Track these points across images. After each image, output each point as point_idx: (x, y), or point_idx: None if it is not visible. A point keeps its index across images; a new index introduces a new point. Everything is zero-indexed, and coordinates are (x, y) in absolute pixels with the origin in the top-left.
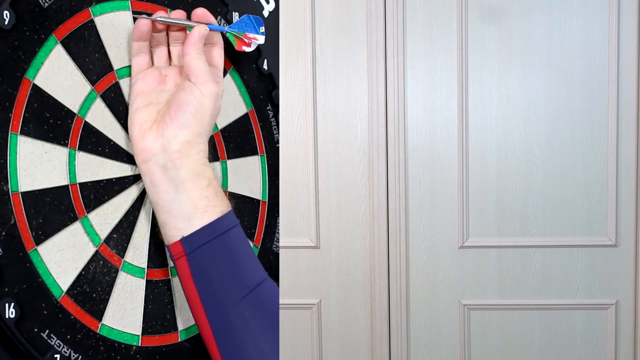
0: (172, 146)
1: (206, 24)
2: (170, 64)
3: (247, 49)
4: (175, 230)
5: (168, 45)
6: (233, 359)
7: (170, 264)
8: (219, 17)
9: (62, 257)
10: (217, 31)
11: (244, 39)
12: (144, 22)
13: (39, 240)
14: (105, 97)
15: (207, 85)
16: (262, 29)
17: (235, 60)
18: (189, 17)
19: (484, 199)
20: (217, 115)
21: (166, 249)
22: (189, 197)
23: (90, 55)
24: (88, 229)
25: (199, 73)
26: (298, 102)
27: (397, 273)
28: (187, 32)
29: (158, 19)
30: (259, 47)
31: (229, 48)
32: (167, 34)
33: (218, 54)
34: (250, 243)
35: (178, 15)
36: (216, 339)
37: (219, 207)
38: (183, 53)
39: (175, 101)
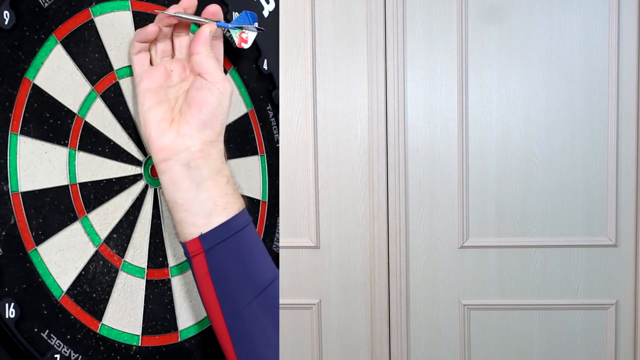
0: (195, 145)
1: (216, 21)
2: (173, 56)
3: (245, 45)
4: (194, 227)
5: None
6: (247, 355)
7: (171, 263)
8: None
9: (62, 257)
10: (222, 28)
11: (242, 36)
12: (152, 30)
13: (39, 240)
14: (105, 97)
15: (223, 83)
16: (256, 24)
17: (235, 60)
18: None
19: (484, 199)
20: (229, 112)
21: (182, 246)
22: (209, 195)
23: (90, 55)
24: (88, 229)
25: (213, 72)
26: (298, 102)
27: (397, 273)
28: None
29: (175, 14)
30: (258, 47)
31: (228, 47)
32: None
33: (220, 48)
34: None
35: (188, 4)
36: (232, 336)
37: (236, 205)
38: (193, 51)
39: (195, 101)
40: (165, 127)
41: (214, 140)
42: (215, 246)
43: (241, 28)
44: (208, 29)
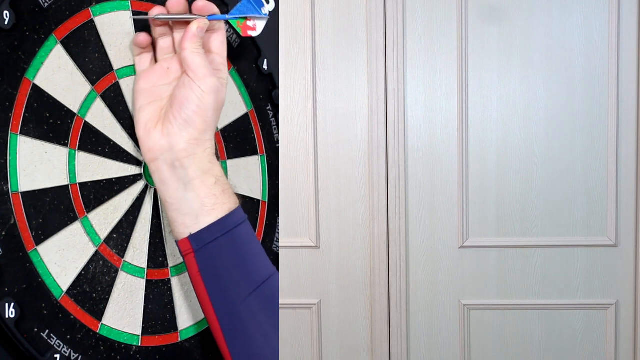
0: (179, 145)
1: (208, 15)
2: (175, 52)
3: (254, 33)
4: (184, 227)
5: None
6: (241, 354)
7: (171, 263)
8: None
9: (62, 257)
10: (220, 20)
11: (248, 24)
12: (143, 39)
13: (39, 240)
14: (105, 97)
15: (205, 80)
16: (264, 9)
17: (235, 60)
18: (189, 5)
19: (484, 199)
20: (221, 107)
21: (176, 244)
22: (196, 195)
23: (90, 55)
24: (88, 229)
25: (197, 68)
26: (298, 102)
27: (397, 273)
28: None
29: (156, 17)
30: (258, 47)
31: (228, 47)
32: (170, 22)
33: (220, 41)
34: None
35: (176, 3)
36: (224, 333)
37: (227, 205)
38: (180, 47)
39: (177, 99)
40: (151, 128)
41: (198, 138)
42: (205, 246)
43: (244, 18)
44: (195, 25)
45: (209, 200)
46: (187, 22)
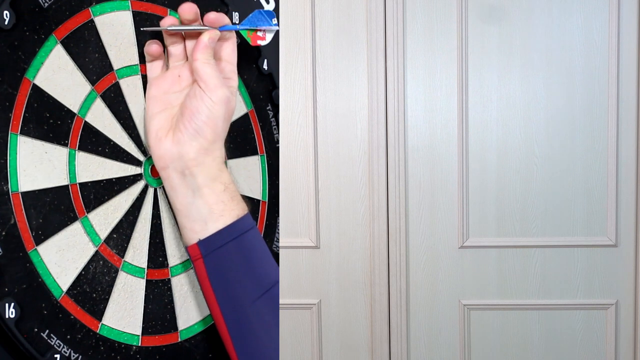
0: (188, 154)
1: (220, 27)
2: (187, 59)
3: (263, 42)
4: (193, 233)
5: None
6: (247, 353)
7: (171, 263)
8: None
9: (62, 257)
10: (230, 30)
11: (258, 34)
12: (155, 48)
13: (39, 240)
14: (105, 97)
15: (216, 91)
16: (275, 20)
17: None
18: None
19: (484, 199)
20: (231, 117)
21: (185, 250)
22: (205, 202)
23: (90, 55)
24: (88, 229)
25: (208, 79)
26: (298, 102)
27: (397, 273)
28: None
29: (168, 28)
30: (258, 47)
31: None
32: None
33: (230, 49)
34: None
35: (189, 10)
36: (232, 337)
37: (235, 211)
38: (192, 58)
39: (188, 109)
40: (162, 136)
41: (207, 148)
42: (214, 251)
43: (254, 29)
44: (207, 36)
45: (217, 206)
46: (198, 32)
